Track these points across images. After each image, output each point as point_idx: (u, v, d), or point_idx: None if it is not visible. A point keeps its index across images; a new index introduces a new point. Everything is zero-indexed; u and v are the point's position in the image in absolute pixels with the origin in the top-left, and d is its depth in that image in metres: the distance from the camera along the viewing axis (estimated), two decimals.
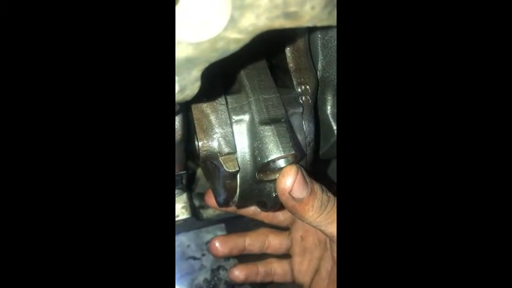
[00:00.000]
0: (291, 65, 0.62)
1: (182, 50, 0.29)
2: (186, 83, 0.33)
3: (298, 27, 0.30)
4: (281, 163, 0.52)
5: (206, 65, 0.32)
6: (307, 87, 0.61)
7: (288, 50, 0.62)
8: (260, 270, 0.77)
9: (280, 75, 0.62)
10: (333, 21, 0.31)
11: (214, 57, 0.31)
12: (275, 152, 0.51)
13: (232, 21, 0.28)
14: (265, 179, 0.56)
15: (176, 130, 0.56)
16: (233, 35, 0.29)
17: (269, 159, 0.51)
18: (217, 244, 0.78)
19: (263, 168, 0.54)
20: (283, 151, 0.51)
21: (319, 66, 0.64)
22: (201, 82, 0.34)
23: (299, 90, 0.61)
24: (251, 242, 0.78)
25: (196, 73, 0.32)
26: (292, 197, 0.52)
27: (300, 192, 0.52)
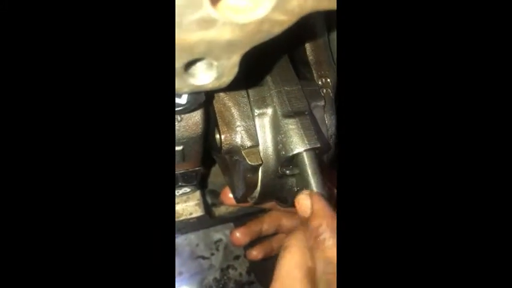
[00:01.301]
0: (310, 57, 0.61)
1: (226, 32, 0.28)
2: (224, 69, 0.32)
3: None
4: (306, 155, 0.51)
5: (247, 49, 0.31)
6: (328, 80, 0.61)
7: (307, 44, 0.61)
8: (274, 246, 0.84)
9: (300, 68, 0.62)
10: None
11: (257, 40, 0.30)
12: (300, 145, 0.50)
13: (281, 2, 0.27)
14: (288, 173, 0.55)
15: (197, 123, 0.55)
16: (280, 16, 0.28)
17: (294, 152, 0.50)
18: (238, 234, 0.81)
19: (287, 162, 0.53)
20: (308, 144, 0.50)
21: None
22: (238, 68, 0.33)
23: (320, 83, 0.60)
24: (267, 227, 0.82)
25: (236, 58, 0.31)
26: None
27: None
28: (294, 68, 0.58)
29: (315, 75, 0.61)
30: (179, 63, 0.30)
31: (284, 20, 0.29)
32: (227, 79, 0.34)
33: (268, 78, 0.56)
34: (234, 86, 0.51)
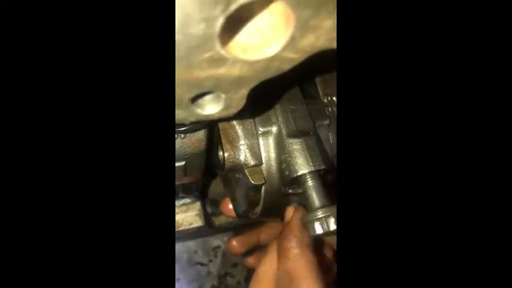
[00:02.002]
0: (316, 75, 0.61)
1: (235, 69, 0.28)
2: (232, 101, 0.32)
3: None
4: (310, 180, 0.51)
5: (256, 83, 0.31)
6: (333, 98, 0.60)
7: None
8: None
9: (306, 86, 0.61)
10: None
11: (266, 76, 0.30)
12: (305, 167, 0.50)
13: (292, 41, 0.26)
14: (291, 192, 0.54)
15: (201, 140, 0.55)
16: (290, 54, 0.28)
17: (298, 173, 0.50)
18: (234, 243, 0.82)
19: (290, 182, 0.53)
20: (313, 166, 0.50)
21: None
22: (246, 100, 0.33)
23: (325, 100, 0.60)
24: (265, 237, 0.82)
25: (244, 91, 0.31)
26: None
27: None
28: (299, 86, 0.58)
29: (320, 93, 0.60)
30: (187, 96, 0.30)
31: (294, 57, 0.28)
32: (235, 110, 0.33)
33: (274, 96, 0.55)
34: (240, 111, 0.50)
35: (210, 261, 1.18)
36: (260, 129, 0.54)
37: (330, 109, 0.59)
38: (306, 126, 0.53)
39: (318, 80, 0.60)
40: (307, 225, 0.48)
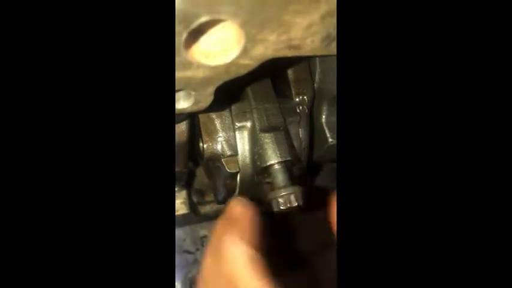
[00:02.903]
0: (290, 76, 0.67)
1: (200, 72, 0.34)
2: (201, 97, 0.39)
3: (299, 56, 0.36)
4: (277, 167, 0.57)
5: (220, 83, 0.37)
6: (305, 97, 0.67)
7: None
8: None
9: (280, 85, 0.68)
10: (329, 51, 0.36)
11: (227, 78, 0.36)
12: (273, 158, 0.57)
13: (245, 51, 0.33)
14: (263, 181, 0.61)
15: (183, 132, 0.61)
16: (244, 61, 0.34)
17: (267, 163, 0.57)
18: None
19: (261, 172, 0.59)
20: (280, 157, 0.56)
21: (317, 78, 0.69)
22: (214, 96, 0.39)
23: (297, 99, 0.66)
24: None
25: (211, 89, 0.38)
26: None
27: None
28: (273, 85, 0.64)
29: (293, 92, 0.66)
30: None
31: (249, 64, 0.35)
32: (204, 104, 0.40)
33: (250, 95, 0.62)
34: (218, 107, 0.57)
35: (197, 249, 1.23)
36: (236, 124, 0.60)
37: (301, 107, 0.66)
38: (277, 123, 0.60)
39: (291, 79, 0.67)
40: (271, 201, 0.54)
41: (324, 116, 0.71)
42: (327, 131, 0.71)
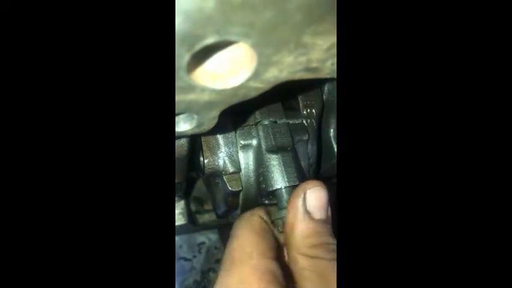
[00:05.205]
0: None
1: (204, 96, 0.30)
2: (204, 120, 0.34)
3: (316, 78, 0.32)
4: (284, 192, 0.53)
5: (225, 107, 0.33)
6: (313, 110, 0.63)
7: None
8: None
9: (287, 97, 0.63)
10: None
11: (234, 101, 0.32)
12: (280, 182, 0.53)
13: (256, 74, 0.29)
14: (267, 203, 0.57)
15: (183, 146, 0.57)
16: (255, 84, 0.30)
17: (274, 188, 0.53)
18: None
19: (266, 194, 0.55)
20: (288, 182, 0.52)
21: (325, 89, 0.66)
22: (217, 119, 0.35)
23: (304, 112, 0.62)
24: None
25: (215, 113, 0.34)
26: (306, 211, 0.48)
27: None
28: (280, 97, 0.60)
29: (300, 104, 0.62)
30: None
31: (260, 87, 0.31)
32: (207, 127, 0.36)
33: (255, 107, 0.58)
34: (223, 129, 0.53)
35: (194, 256, 1.20)
36: (241, 142, 0.56)
37: (308, 121, 0.62)
38: (285, 142, 0.56)
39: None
40: (275, 222, 0.51)
41: (331, 130, 0.67)
42: (334, 146, 0.67)
